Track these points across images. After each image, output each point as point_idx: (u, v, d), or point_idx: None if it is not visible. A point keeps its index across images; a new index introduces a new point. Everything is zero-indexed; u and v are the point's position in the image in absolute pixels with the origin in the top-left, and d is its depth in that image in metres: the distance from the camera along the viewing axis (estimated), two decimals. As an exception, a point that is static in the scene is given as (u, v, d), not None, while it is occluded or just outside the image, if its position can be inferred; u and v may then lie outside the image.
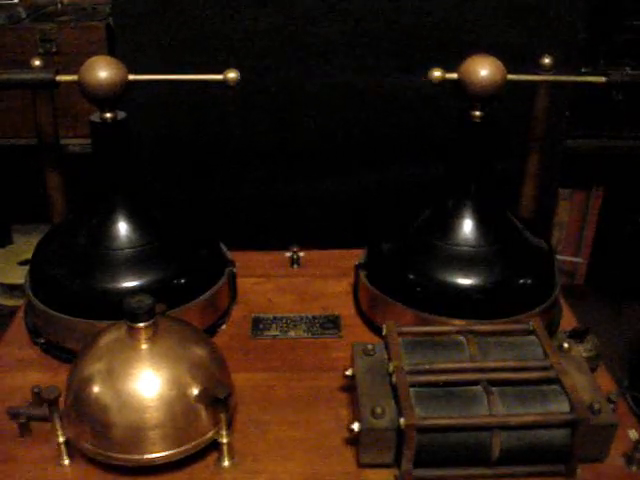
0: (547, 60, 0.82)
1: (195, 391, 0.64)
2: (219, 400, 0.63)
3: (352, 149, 1.17)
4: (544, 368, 0.66)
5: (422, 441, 0.61)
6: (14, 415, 0.68)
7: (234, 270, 0.88)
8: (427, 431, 0.61)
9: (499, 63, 0.74)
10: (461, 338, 0.70)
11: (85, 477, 0.65)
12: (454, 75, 0.75)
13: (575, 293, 1.79)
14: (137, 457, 0.63)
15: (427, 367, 0.66)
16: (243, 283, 0.91)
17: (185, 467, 0.65)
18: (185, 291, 0.80)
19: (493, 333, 0.72)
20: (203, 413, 0.64)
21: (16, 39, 1.44)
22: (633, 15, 1.47)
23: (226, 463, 0.65)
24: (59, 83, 0.77)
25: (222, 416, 0.64)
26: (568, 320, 0.86)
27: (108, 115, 0.76)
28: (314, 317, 0.87)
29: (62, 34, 1.43)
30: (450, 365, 0.67)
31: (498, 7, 1.07)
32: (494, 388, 0.64)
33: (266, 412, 0.72)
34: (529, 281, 0.79)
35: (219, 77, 0.76)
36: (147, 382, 0.63)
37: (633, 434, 0.68)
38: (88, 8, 1.57)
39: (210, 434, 0.65)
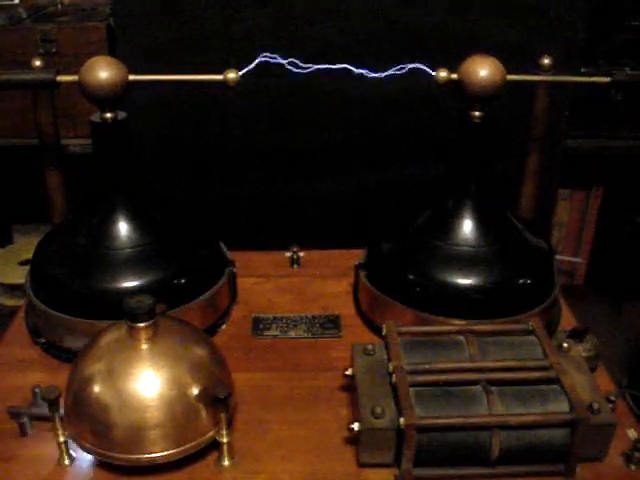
0: (547, 60, 0.82)
1: (195, 391, 0.64)
2: (219, 400, 0.63)
3: (352, 149, 1.17)
4: (543, 368, 0.66)
5: (422, 441, 0.61)
6: (14, 415, 0.68)
7: (234, 270, 0.88)
8: (427, 431, 0.61)
9: (499, 63, 0.74)
10: (461, 338, 0.71)
11: (85, 477, 0.65)
12: (454, 75, 0.75)
13: (575, 293, 1.79)
14: (137, 457, 0.63)
15: (427, 367, 0.66)
16: (243, 283, 0.91)
17: (185, 467, 0.65)
18: (185, 291, 0.80)
19: (493, 333, 0.72)
20: (203, 413, 0.64)
21: (17, 39, 1.44)
22: (633, 15, 1.47)
23: (226, 463, 0.65)
24: (59, 83, 0.77)
25: (222, 416, 0.64)
26: (567, 320, 0.86)
27: (108, 115, 0.76)
28: (314, 317, 0.87)
29: (62, 34, 1.43)
30: (450, 365, 0.67)
31: (498, 7, 1.08)
32: (494, 388, 0.64)
33: (266, 412, 0.72)
34: (529, 281, 0.79)
35: (219, 77, 0.76)
36: (147, 382, 0.63)
37: (632, 433, 0.68)
38: (88, 9, 1.57)
39: (210, 434, 0.65)
